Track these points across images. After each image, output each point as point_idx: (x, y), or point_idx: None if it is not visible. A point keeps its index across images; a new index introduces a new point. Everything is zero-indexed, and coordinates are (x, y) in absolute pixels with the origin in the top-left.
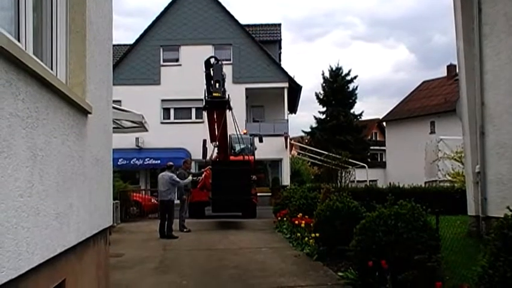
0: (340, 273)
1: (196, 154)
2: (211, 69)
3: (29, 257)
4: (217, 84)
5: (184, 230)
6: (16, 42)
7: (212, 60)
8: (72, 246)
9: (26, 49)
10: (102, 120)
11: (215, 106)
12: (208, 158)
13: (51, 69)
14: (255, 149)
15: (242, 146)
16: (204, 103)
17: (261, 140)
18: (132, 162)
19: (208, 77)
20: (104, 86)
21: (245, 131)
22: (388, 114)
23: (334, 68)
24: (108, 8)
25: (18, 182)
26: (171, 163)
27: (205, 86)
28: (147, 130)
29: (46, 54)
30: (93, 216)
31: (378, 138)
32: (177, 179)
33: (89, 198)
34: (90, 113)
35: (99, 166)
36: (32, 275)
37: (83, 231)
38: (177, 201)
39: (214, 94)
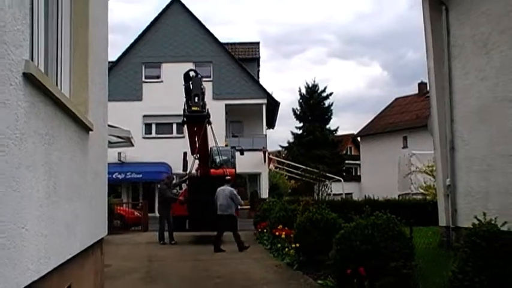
0: (319, 281)
1: (178, 168)
2: (190, 82)
3: (46, 261)
4: (196, 98)
5: (162, 242)
6: (41, 69)
7: (191, 73)
8: (76, 254)
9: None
10: (100, 136)
11: (194, 121)
12: (189, 170)
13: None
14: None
15: (224, 158)
16: (182, 117)
17: (242, 153)
18: (114, 176)
19: (187, 90)
20: (101, 104)
21: (226, 143)
22: (362, 129)
23: (310, 85)
24: (105, 30)
25: (39, 193)
26: (229, 177)
27: (184, 100)
28: (133, 145)
29: (52, 74)
30: (92, 226)
31: (352, 153)
32: (237, 195)
33: (90, 209)
34: (91, 130)
35: (98, 179)
36: (47, 279)
37: (85, 240)
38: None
39: (193, 108)
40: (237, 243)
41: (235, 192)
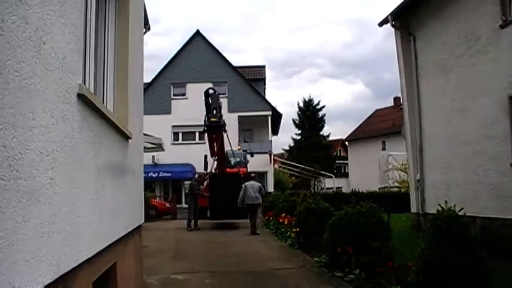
0: (315, 258)
1: (200, 168)
2: (209, 98)
3: (97, 243)
4: (214, 111)
5: (189, 228)
6: (91, 90)
7: (210, 91)
8: (120, 237)
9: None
10: (137, 143)
11: (213, 129)
12: (209, 170)
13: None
14: (247, 162)
15: (237, 160)
16: (203, 127)
17: (252, 155)
18: (149, 175)
19: (207, 105)
20: (138, 117)
21: (239, 147)
22: (349, 135)
23: (307, 100)
24: (141, 58)
25: (90, 188)
26: (253, 174)
27: (205, 113)
28: (164, 150)
29: (99, 94)
30: (132, 215)
31: (341, 154)
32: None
33: (130, 202)
34: (130, 138)
35: (135, 177)
36: (98, 257)
37: (126, 226)
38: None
39: (212, 119)
40: (252, 227)
41: (260, 185)
